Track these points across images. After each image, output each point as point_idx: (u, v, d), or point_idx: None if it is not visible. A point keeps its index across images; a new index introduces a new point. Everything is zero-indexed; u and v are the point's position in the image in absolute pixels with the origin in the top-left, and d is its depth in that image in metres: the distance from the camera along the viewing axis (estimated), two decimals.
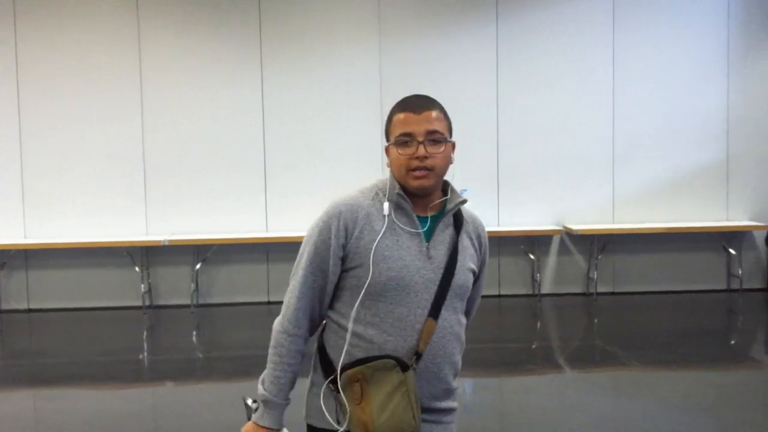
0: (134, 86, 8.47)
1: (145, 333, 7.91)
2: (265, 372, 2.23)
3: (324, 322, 2.27)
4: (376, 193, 2.24)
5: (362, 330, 2.15)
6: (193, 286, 8.47)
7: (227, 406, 5.39)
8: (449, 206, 2.24)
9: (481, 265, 2.36)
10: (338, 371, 2.14)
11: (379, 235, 2.16)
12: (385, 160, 2.26)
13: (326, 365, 2.20)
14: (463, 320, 2.30)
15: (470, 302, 2.38)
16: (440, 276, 2.19)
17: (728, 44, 8.74)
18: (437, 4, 8.62)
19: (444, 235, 2.23)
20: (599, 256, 8.68)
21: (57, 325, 8.13)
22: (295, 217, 8.50)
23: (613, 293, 8.79)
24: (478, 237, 2.34)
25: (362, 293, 2.15)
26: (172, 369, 6.58)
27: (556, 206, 8.73)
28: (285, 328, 2.22)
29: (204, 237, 8.37)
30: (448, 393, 2.27)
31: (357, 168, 8.56)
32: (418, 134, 2.16)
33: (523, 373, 6.18)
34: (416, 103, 2.21)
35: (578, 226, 8.55)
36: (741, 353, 7.05)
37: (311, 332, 2.26)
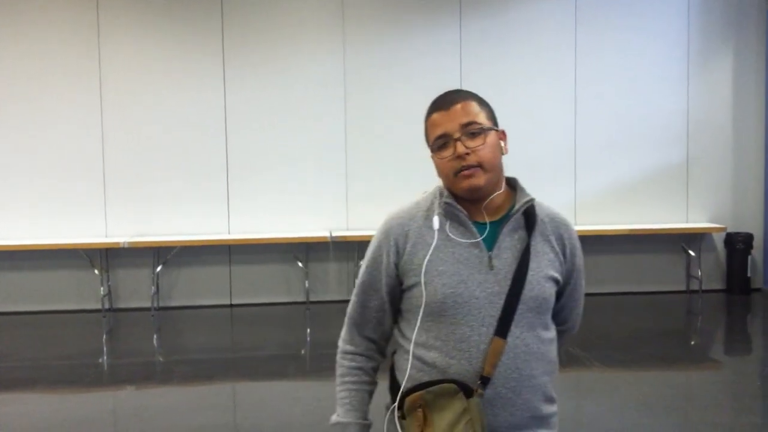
0: (94, 87, 8.35)
1: (104, 336, 7.79)
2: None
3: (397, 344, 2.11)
4: (432, 203, 2.04)
5: (424, 353, 1.96)
6: (153, 288, 8.37)
7: (188, 409, 5.33)
8: (516, 207, 2.01)
9: (570, 271, 2.08)
10: (399, 396, 1.96)
11: (431, 249, 1.96)
12: (434, 171, 2.05)
13: (395, 389, 2.01)
14: (548, 336, 2.03)
15: (562, 313, 2.13)
16: (507, 288, 1.94)
17: (688, 49, 8.85)
18: (401, 6, 8.61)
19: (512, 240, 1.99)
20: None
21: (14, 328, 7.97)
22: (258, 219, 8.46)
23: None
24: (560, 238, 2.06)
25: (420, 315, 1.95)
26: (132, 373, 6.48)
27: None
28: (341, 347, 2.12)
29: (164, 239, 8.28)
30: (539, 421, 2.00)
31: (321, 169, 8.54)
32: (452, 131, 1.95)
33: None
34: (445, 99, 2.01)
35: None
36: (701, 353, 7.13)
37: (380, 352, 2.12)
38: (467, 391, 1.88)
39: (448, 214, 1.99)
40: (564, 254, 2.06)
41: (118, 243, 8.12)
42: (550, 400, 2.03)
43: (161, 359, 7.11)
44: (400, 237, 2.00)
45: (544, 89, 8.75)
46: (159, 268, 8.37)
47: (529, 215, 2.02)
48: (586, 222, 8.79)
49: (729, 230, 8.85)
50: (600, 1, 8.76)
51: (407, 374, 1.96)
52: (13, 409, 5.52)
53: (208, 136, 8.49)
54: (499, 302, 1.93)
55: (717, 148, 8.95)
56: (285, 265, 8.53)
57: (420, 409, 1.91)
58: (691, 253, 8.88)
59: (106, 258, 8.40)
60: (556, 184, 8.78)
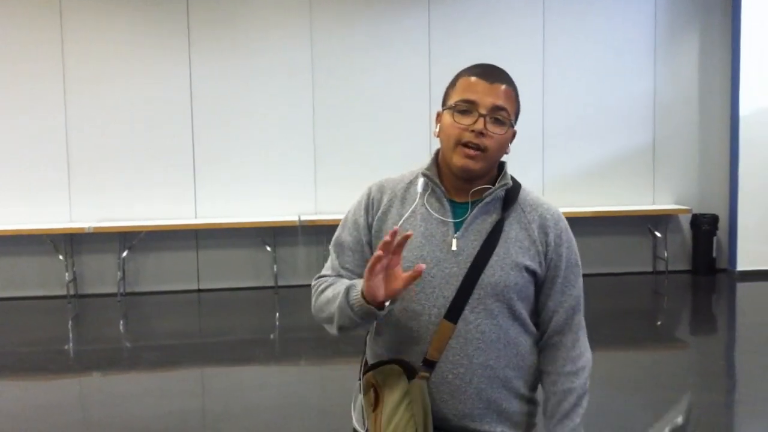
0: (57, 70, 8.21)
1: (70, 323, 7.70)
2: (336, 314, 1.82)
3: None
4: (416, 177, 1.97)
5: (383, 329, 1.89)
6: (119, 274, 8.28)
7: (156, 395, 5.29)
8: (490, 190, 1.91)
9: (550, 264, 1.92)
10: (360, 374, 1.92)
11: (402, 219, 1.89)
12: (434, 128, 1.93)
13: (365, 366, 1.96)
14: (519, 329, 1.90)
15: (542, 314, 1.95)
16: (465, 271, 1.83)
17: (655, 30, 8.90)
18: None
19: (482, 223, 1.88)
20: None
21: None
22: (226, 203, 8.39)
23: None
24: (542, 228, 1.93)
25: None
26: (98, 359, 6.42)
27: None
28: (322, 278, 1.98)
29: (130, 224, 8.19)
30: (497, 416, 1.88)
31: (289, 153, 8.49)
32: (483, 105, 1.84)
33: None
34: (491, 72, 1.90)
35: None
36: (666, 333, 7.21)
37: None
38: (411, 373, 1.81)
39: (428, 187, 1.93)
40: (545, 245, 1.92)
41: (82, 228, 8.02)
42: (521, 398, 1.92)
43: (128, 345, 7.05)
44: (375, 200, 1.96)
45: (512, 72, 8.69)
46: (125, 254, 8.28)
47: (508, 200, 1.93)
48: (553, 204, 8.80)
49: (694, 212, 8.94)
50: None
51: (372, 352, 1.94)
52: None
53: (174, 120, 8.39)
54: (456, 284, 1.83)
55: (683, 129, 9.02)
56: (253, 250, 8.48)
57: (372, 389, 1.86)
58: (658, 234, 8.97)
59: (71, 243, 8.29)
60: (524, 166, 8.78)
